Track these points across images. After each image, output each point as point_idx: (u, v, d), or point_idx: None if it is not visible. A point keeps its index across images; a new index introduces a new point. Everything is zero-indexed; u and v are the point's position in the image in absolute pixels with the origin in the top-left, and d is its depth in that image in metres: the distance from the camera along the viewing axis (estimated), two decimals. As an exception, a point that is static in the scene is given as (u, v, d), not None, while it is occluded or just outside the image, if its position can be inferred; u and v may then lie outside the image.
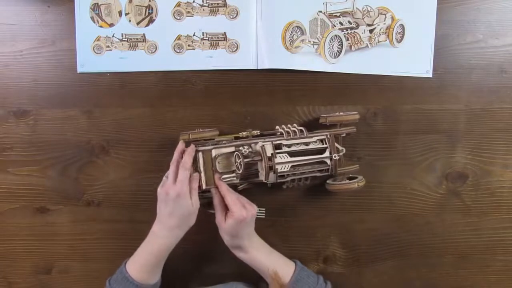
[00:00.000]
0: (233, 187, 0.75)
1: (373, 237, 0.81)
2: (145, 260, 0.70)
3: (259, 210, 0.77)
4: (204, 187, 0.73)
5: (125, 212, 0.80)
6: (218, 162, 0.73)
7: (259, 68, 0.78)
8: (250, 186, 0.77)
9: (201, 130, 0.75)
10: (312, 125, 0.77)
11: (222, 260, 0.81)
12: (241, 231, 0.70)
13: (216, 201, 0.71)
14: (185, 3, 0.77)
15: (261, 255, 0.72)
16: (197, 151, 0.72)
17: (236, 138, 0.75)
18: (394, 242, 0.81)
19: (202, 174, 0.72)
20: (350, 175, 0.77)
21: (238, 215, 0.68)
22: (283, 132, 0.73)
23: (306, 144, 0.73)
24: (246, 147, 0.73)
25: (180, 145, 0.72)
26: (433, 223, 0.81)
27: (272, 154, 0.70)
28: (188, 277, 0.82)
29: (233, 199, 0.70)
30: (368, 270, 0.82)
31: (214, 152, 0.73)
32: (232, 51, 0.78)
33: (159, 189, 0.70)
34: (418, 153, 0.79)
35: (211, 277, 0.81)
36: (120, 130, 0.80)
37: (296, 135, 0.73)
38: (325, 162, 0.73)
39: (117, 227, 0.81)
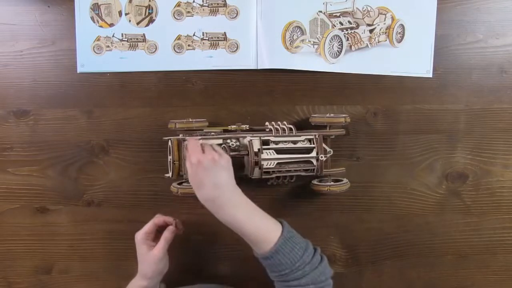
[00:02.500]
0: None
1: (373, 237, 0.81)
2: None
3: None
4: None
5: (125, 212, 0.80)
6: None
7: (259, 68, 0.78)
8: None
9: (190, 120, 0.74)
10: (311, 125, 0.77)
11: (220, 262, 0.81)
12: (204, 179, 0.62)
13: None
14: (185, 3, 0.77)
15: (240, 215, 0.62)
16: (183, 141, 0.73)
17: (225, 131, 0.75)
18: (394, 242, 0.81)
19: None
20: (336, 178, 0.77)
21: (192, 158, 0.62)
22: (272, 129, 0.73)
23: (294, 142, 0.73)
24: (234, 140, 0.73)
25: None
26: (433, 223, 0.81)
27: (259, 149, 0.70)
28: (186, 278, 0.82)
29: (193, 145, 0.64)
30: (368, 270, 0.82)
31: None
32: (232, 51, 0.78)
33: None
34: (418, 153, 0.79)
35: (208, 278, 0.81)
36: (120, 130, 0.80)
37: (285, 132, 0.73)
38: (311, 162, 0.73)
39: (117, 227, 0.81)
